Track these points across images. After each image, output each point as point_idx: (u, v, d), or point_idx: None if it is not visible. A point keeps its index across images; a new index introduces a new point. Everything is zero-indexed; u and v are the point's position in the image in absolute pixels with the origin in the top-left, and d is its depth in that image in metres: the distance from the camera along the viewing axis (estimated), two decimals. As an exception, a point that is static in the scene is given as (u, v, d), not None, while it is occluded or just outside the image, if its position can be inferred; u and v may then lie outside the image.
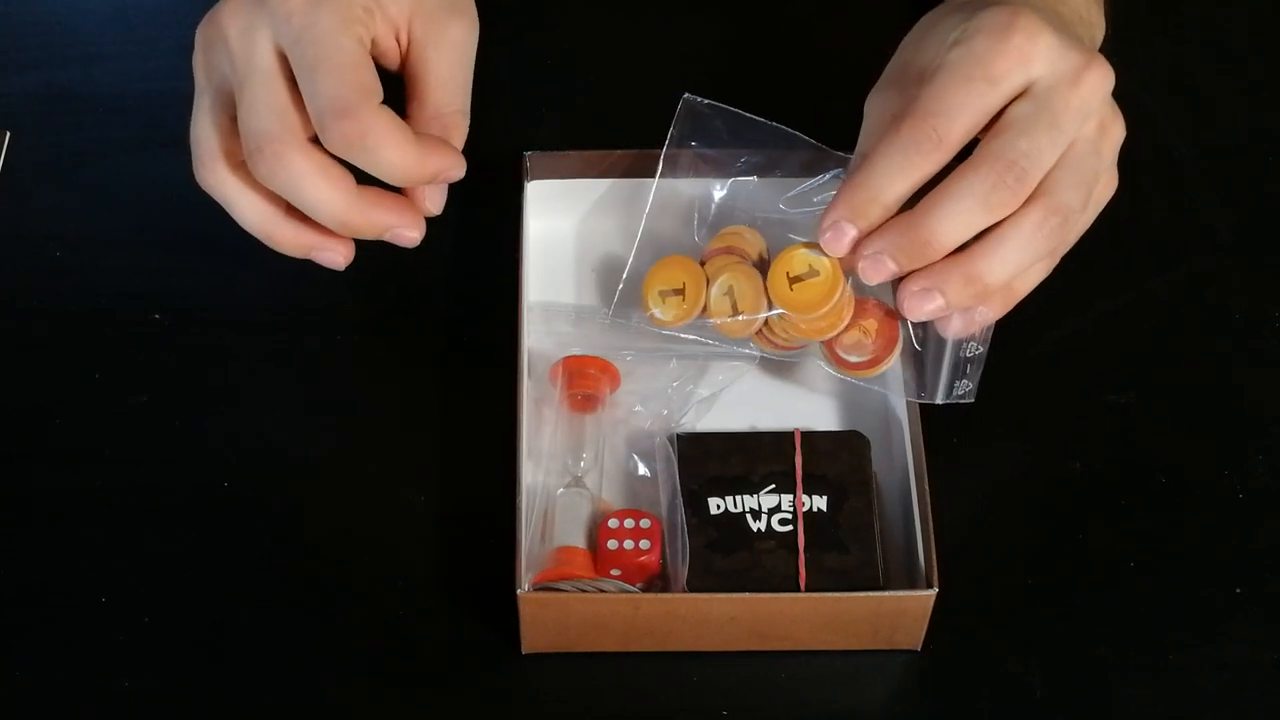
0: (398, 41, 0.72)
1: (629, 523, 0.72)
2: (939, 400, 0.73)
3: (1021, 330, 0.81)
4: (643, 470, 0.75)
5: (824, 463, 0.73)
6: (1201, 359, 0.81)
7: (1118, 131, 0.72)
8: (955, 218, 0.68)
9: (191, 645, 0.72)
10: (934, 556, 0.69)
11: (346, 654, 0.72)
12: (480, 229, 0.83)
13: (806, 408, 0.78)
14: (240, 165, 0.70)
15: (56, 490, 0.77)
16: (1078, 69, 0.69)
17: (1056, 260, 0.72)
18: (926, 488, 0.71)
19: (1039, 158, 0.68)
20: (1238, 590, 0.74)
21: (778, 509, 0.72)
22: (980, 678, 0.72)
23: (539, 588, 0.69)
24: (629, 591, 0.70)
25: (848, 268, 0.71)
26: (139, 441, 0.77)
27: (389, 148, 0.67)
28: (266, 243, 0.72)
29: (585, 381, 0.76)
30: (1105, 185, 0.73)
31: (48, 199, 0.86)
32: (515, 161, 0.81)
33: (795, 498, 0.71)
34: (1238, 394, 0.80)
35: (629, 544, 0.71)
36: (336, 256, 0.72)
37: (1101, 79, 0.70)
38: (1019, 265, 0.69)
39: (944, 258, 0.69)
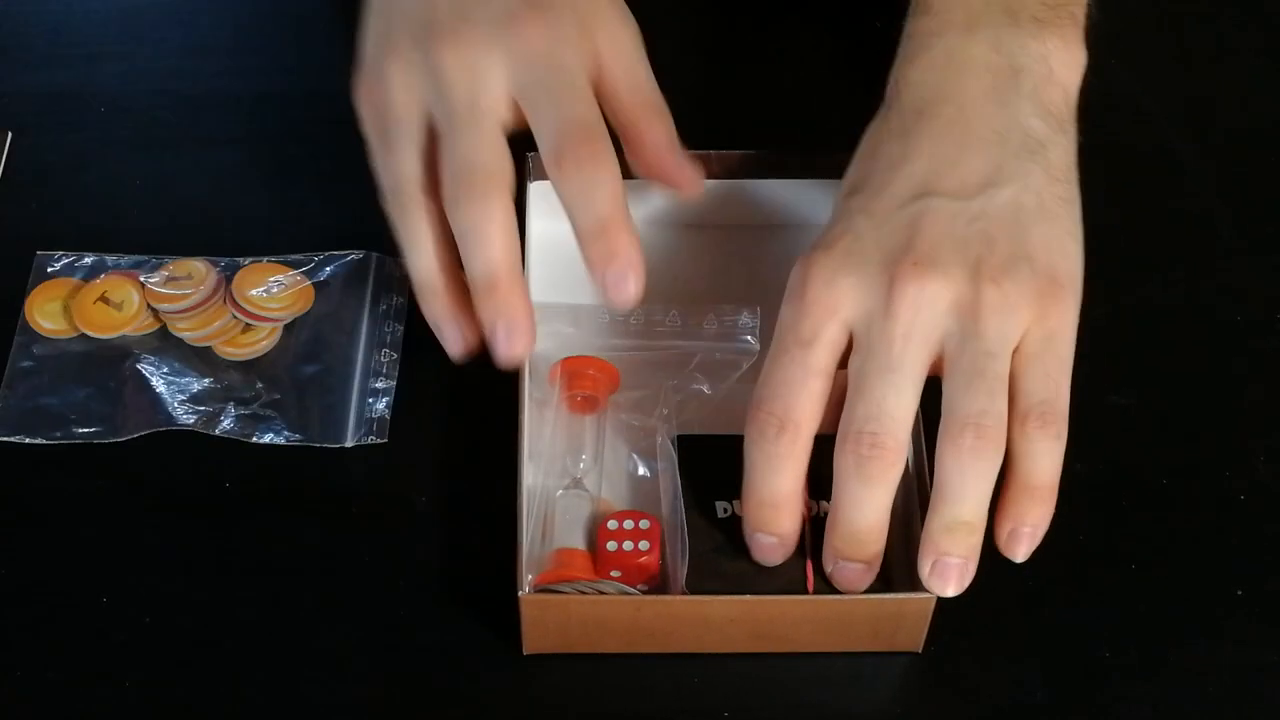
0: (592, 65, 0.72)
1: (628, 524, 0.72)
2: None
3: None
4: (642, 471, 0.75)
5: (831, 465, 0.72)
6: (1202, 359, 0.81)
7: (993, 298, 0.67)
8: (854, 506, 0.67)
9: (192, 645, 0.72)
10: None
11: (347, 655, 0.72)
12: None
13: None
14: (433, 204, 0.70)
15: (57, 490, 0.76)
16: (884, 295, 0.67)
17: (1057, 427, 0.67)
18: (929, 487, 0.71)
19: (886, 412, 0.66)
20: (1239, 591, 0.74)
21: None
22: (981, 679, 0.72)
23: (539, 589, 0.69)
24: (629, 593, 0.70)
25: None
26: (139, 441, 0.77)
27: (613, 175, 0.68)
28: (421, 296, 0.72)
29: (584, 382, 0.76)
30: (1039, 308, 0.67)
31: (49, 199, 0.86)
32: (518, 162, 0.81)
33: (802, 500, 0.71)
34: (1239, 394, 0.80)
35: (628, 545, 0.71)
36: (457, 342, 0.71)
37: (916, 287, 0.66)
38: (975, 494, 0.67)
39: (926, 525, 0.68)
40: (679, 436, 0.73)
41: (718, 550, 0.71)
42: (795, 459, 0.68)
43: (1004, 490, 0.68)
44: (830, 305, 0.68)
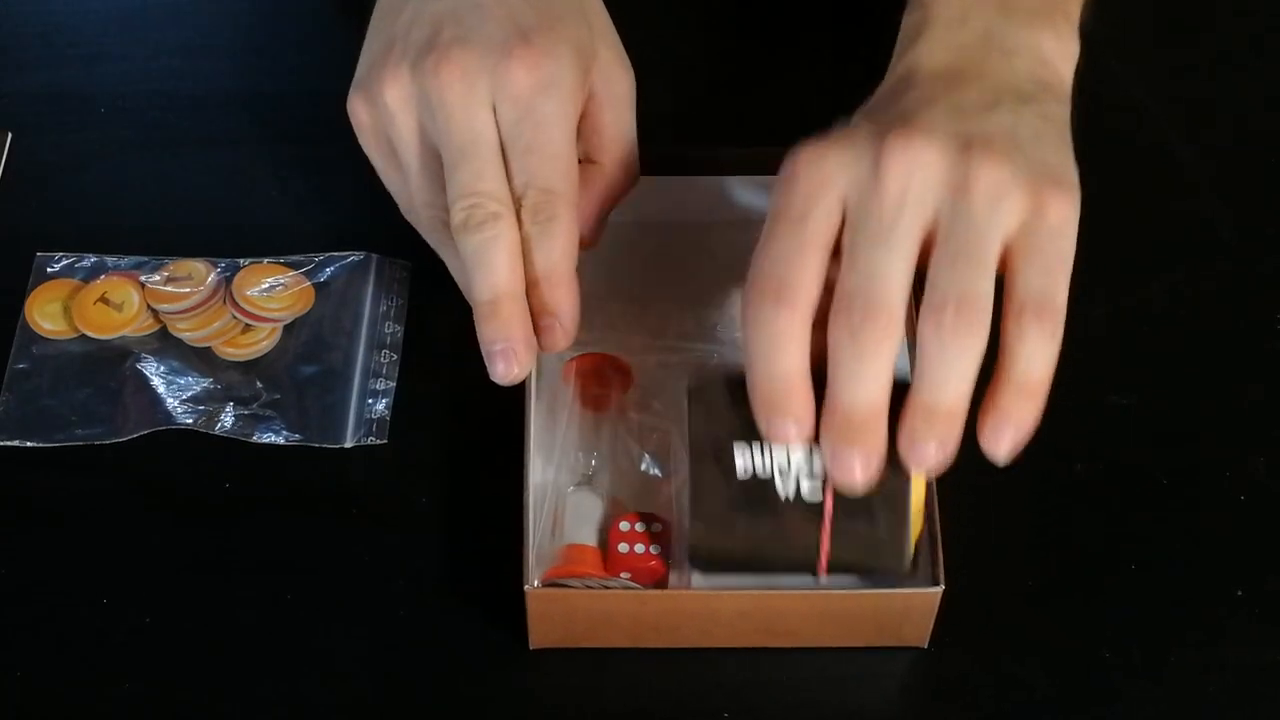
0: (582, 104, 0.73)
1: (640, 526, 0.72)
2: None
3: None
4: (654, 471, 0.75)
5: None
6: (1202, 360, 0.81)
7: (986, 175, 0.64)
8: (848, 379, 0.64)
9: (193, 646, 0.72)
10: (940, 553, 0.69)
11: (349, 653, 0.72)
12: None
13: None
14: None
15: (56, 491, 0.76)
16: (873, 163, 0.64)
17: (1053, 324, 0.65)
18: (934, 484, 0.71)
19: (879, 278, 0.64)
20: (1239, 591, 0.74)
21: (808, 466, 0.67)
22: (985, 676, 0.72)
23: (548, 584, 0.69)
24: (634, 589, 0.70)
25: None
26: (140, 441, 0.77)
27: (567, 234, 0.70)
28: (484, 317, 0.70)
29: (598, 380, 0.76)
30: (1035, 201, 0.65)
31: (49, 200, 0.86)
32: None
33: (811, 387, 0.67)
34: (1239, 395, 0.80)
35: (640, 548, 0.71)
36: (515, 364, 0.70)
37: (903, 150, 0.64)
38: (956, 376, 0.64)
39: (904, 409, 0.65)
40: (698, 380, 0.70)
41: (733, 507, 0.67)
42: (796, 336, 0.65)
43: (991, 385, 0.65)
44: (819, 180, 0.65)
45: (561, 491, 0.73)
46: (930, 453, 0.65)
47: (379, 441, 0.78)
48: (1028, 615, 0.73)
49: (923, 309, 0.64)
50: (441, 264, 0.77)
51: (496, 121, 0.70)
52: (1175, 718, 0.71)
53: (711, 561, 0.69)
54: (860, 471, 0.65)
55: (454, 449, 0.78)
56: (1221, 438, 0.79)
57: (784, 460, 0.67)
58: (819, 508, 0.67)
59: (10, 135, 0.88)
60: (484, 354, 0.70)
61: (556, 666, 0.72)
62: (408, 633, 0.73)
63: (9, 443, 0.77)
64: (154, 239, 0.84)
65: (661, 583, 0.71)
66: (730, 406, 0.68)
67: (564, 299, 0.70)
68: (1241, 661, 0.73)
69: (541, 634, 0.71)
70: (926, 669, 0.72)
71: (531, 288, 0.70)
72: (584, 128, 0.74)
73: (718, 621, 0.70)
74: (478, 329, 0.70)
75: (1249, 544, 0.76)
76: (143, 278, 0.81)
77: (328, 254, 0.83)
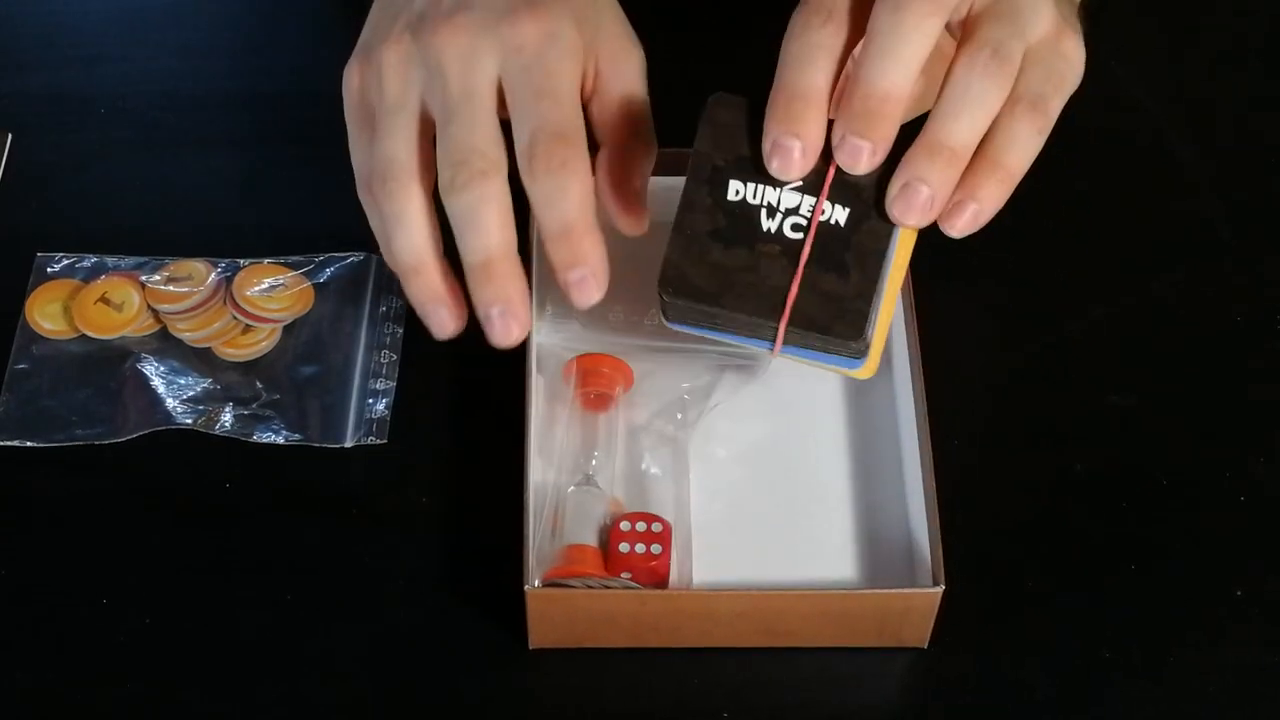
0: (588, 77, 0.72)
1: (640, 526, 0.72)
2: None
3: (1023, 331, 0.81)
4: (654, 470, 0.75)
5: None
6: (1203, 360, 0.81)
7: None
8: (879, 56, 0.64)
9: (193, 646, 0.72)
10: (940, 553, 0.69)
11: (349, 653, 0.72)
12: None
13: (821, 408, 0.78)
14: (421, 187, 0.70)
15: (56, 491, 0.77)
16: None
17: (1042, 123, 0.67)
18: (933, 484, 0.71)
19: None
20: (1239, 592, 0.74)
21: (795, 211, 0.67)
22: (984, 677, 0.72)
23: (548, 584, 0.69)
24: (634, 589, 0.70)
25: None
26: (139, 442, 0.77)
27: (583, 181, 0.67)
28: (409, 278, 0.69)
29: (598, 380, 0.76)
30: (1056, 30, 0.67)
31: (49, 200, 0.86)
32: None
33: (817, 202, 0.67)
34: (1239, 395, 0.80)
35: (640, 547, 0.71)
36: (450, 320, 0.69)
37: None
38: (970, 116, 0.65)
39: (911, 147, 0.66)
40: (716, 97, 0.69)
41: (713, 234, 0.67)
42: (833, 53, 0.65)
43: (969, 163, 0.66)
44: None
45: (562, 491, 0.73)
46: (923, 197, 0.65)
47: (379, 442, 0.78)
48: (1028, 615, 0.73)
49: (961, 49, 0.65)
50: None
51: (499, 79, 0.69)
52: (1175, 718, 0.71)
53: (680, 287, 0.67)
54: (865, 160, 0.66)
55: (454, 449, 0.78)
56: (1221, 438, 0.79)
57: (775, 199, 0.67)
58: (796, 249, 0.66)
59: (11, 136, 0.88)
60: (481, 318, 0.68)
61: (556, 666, 0.72)
62: (408, 633, 0.73)
63: (9, 443, 0.77)
64: (154, 239, 0.84)
65: (663, 584, 0.71)
66: (741, 134, 0.67)
67: (591, 248, 0.68)
68: (1241, 662, 0.73)
69: (541, 634, 0.71)
70: (926, 669, 0.72)
71: (555, 242, 0.68)
72: (595, 106, 0.72)
73: (718, 622, 0.71)
74: (472, 293, 0.68)
75: (1249, 544, 0.76)
76: (143, 278, 0.81)
77: (328, 254, 0.83)
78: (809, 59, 0.65)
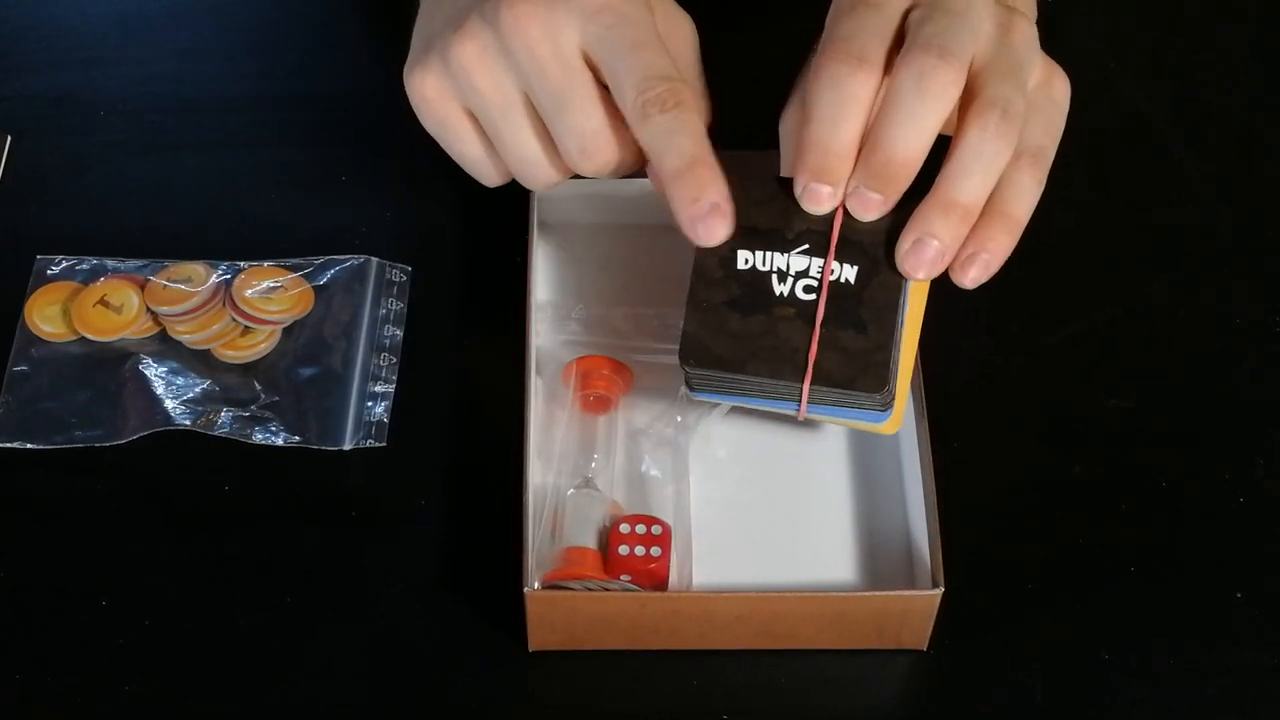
0: None
1: (640, 528, 0.72)
2: None
3: (1022, 334, 0.81)
4: (654, 473, 0.75)
5: (864, 226, 0.69)
6: (1202, 362, 0.81)
7: (1023, 26, 0.70)
8: (903, 124, 0.66)
9: (192, 648, 0.72)
10: (940, 555, 0.69)
11: (348, 654, 0.72)
12: (489, 227, 0.83)
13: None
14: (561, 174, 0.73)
15: (55, 493, 0.76)
16: None
17: (1042, 174, 0.69)
18: (933, 486, 0.71)
19: (949, 35, 0.66)
20: (1238, 594, 0.74)
21: (805, 273, 0.69)
22: (984, 679, 0.72)
23: (548, 586, 0.69)
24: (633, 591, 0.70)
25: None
26: (138, 444, 0.77)
27: (699, 116, 0.69)
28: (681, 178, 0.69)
29: (598, 382, 0.76)
30: (1046, 74, 0.71)
31: (49, 203, 0.86)
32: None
33: (825, 263, 0.69)
34: (1238, 397, 0.80)
35: (640, 550, 0.71)
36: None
37: None
38: (983, 175, 0.67)
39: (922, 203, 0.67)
40: (728, 155, 0.70)
41: (730, 304, 0.68)
42: (865, 104, 0.67)
43: (979, 216, 0.68)
44: None
45: (561, 494, 0.73)
46: (933, 251, 0.67)
47: (378, 444, 0.78)
48: (1028, 616, 0.73)
49: (971, 109, 0.67)
50: (441, 267, 0.78)
51: (585, 50, 0.70)
52: (1175, 718, 0.71)
53: (702, 358, 0.68)
54: (875, 210, 0.68)
55: (453, 452, 0.78)
56: (1221, 439, 0.79)
57: (784, 264, 0.68)
58: (811, 310, 0.68)
59: (10, 138, 0.88)
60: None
61: (556, 668, 0.72)
62: (407, 635, 0.73)
63: (9, 445, 0.77)
64: (154, 241, 0.84)
65: (662, 586, 0.71)
66: (744, 204, 0.69)
67: (715, 179, 0.68)
68: (1241, 663, 0.73)
69: (541, 636, 0.71)
70: (926, 672, 0.72)
71: (679, 178, 0.68)
72: None
73: (717, 624, 0.71)
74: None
75: (1249, 546, 0.76)
76: (142, 280, 0.81)
77: (328, 257, 0.83)
78: (841, 116, 0.67)
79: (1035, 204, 0.69)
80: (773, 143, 0.72)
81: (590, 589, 0.69)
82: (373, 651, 0.72)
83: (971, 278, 0.68)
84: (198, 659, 0.72)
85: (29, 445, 0.77)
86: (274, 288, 0.81)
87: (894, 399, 0.68)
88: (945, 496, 0.71)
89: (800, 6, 0.94)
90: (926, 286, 0.69)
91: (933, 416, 0.73)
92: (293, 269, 0.82)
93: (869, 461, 0.77)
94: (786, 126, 0.71)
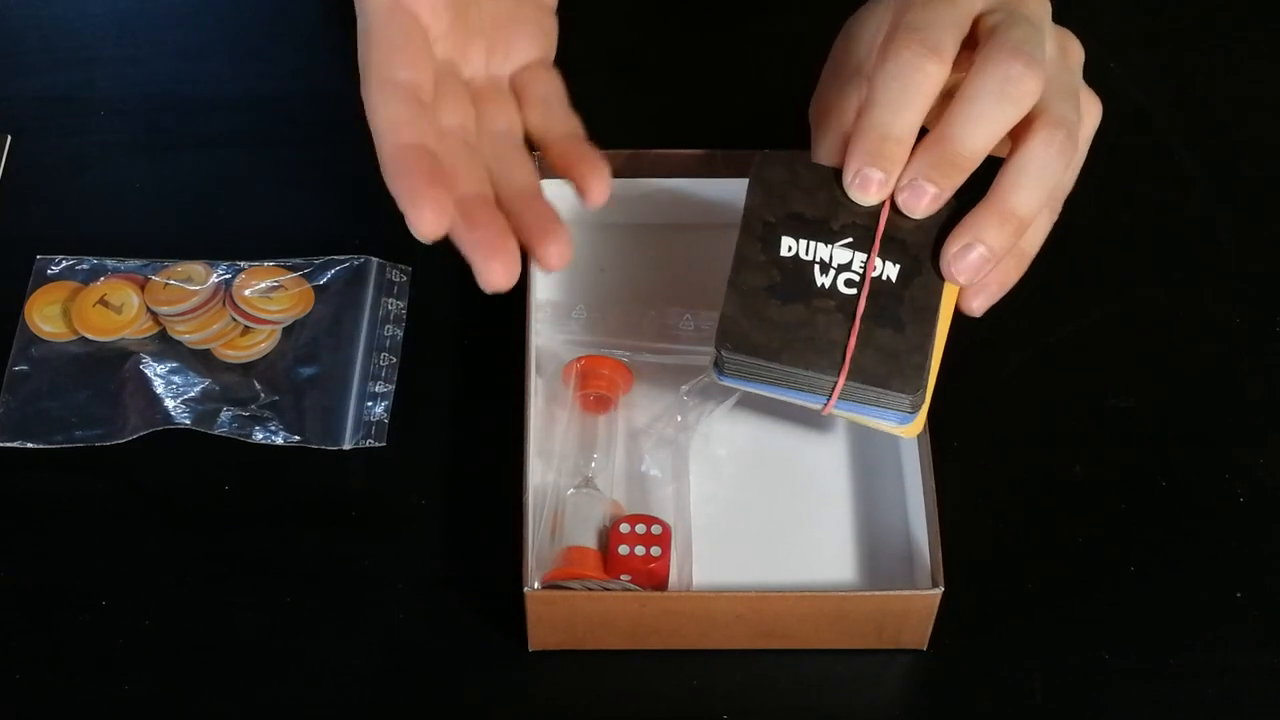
0: None
1: (640, 528, 0.72)
2: None
3: (1022, 334, 0.81)
4: (654, 472, 0.75)
5: (909, 225, 0.69)
6: (1202, 362, 0.81)
7: (1076, 49, 0.71)
8: (977, 122, 0.66)
9: (192, 648, 0.72)
10: (939, 555, 0.69)
11: (352, 650, 0.72)
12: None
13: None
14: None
15: (55, 493, 0.77)
16: None
17: (1056, 215, 0.71)
18: (933, 485, 0.71)
19: (1034, 45, 0.67)
20: (1238, 594, 0.74)
21: (848, 267, 0.68)
22: (984, 678, 0.72)
23: (548, 586, 0.69)
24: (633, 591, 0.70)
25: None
26: (138, 444, 0.77)
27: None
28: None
29: (598, 382, 0.76)
30: (1089, 104, 0.71)
31: (49, 203, 0.86)
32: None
33: (869, 258, 0.68)
34: (1238, 397, 0.80)
35: (640, 550, 0.71)
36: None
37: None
38: (1040, 189, 0.67)
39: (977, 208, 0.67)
40: (767, 155, 0.70)
41: (770, 290, 0.68)
42: (931, 95, 0.67)
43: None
44: None
45: (561, 493, 0.73)
46: (982, 258, 0.67)
47: (378, 444, 0.78)
48: (1028, 616, 0.73)
49: (1037, 122, 0.67)
50: (440, 267, 0.77)
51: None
52: (1175, 718, 0.71)
53: (740, 343, 0.67)
54: (926, 204, 0.68)
55: (453, 452, 0.78)
56: (1221, 439, 0.79)
57: (827, 255, 0.68)
58: (851, 304, 0.68)
59: (10, 138, 0.88)
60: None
61: (556, 668, 0.72)
62: (408, 633, 0.73)
63: (9, 444, 0.77)
64: (154, 241, 0.84)
65: (662, 585, 0.71)
66: (791, 191, 0.69)
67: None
68: (1241, 663, 0.73)
69: (541, 636, 0.71)
70: (925, 671, 0.72)
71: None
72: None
73: (717, 624, 0.71)
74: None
75: (1248, 545, 0.76)
76: (142, 280, 0.81)
77: (328, 257, 0.83)
78: (907, 103, 0.67)
79: (1044, 236, 0.70)
80: (761, 141, 0.72)
81: (590, 589, 0.69)
82: (372, 651, 0.72)
83: (978, 305, 0.69)
84: (197, 658, 0.72)
85: (29, 445, 0.77)
86: (274, 287, 0.81)
87: (924, 402, 0.68)
88: (945, 496, 0.71)
89: (790, 6, 0.94)
90: (955, 295, 0.69)
91: (933, 416, 0.73)
92: (293, 269, 0.82)
93: (869, 461, 0.77)
94: (816, 110, 0.72)
